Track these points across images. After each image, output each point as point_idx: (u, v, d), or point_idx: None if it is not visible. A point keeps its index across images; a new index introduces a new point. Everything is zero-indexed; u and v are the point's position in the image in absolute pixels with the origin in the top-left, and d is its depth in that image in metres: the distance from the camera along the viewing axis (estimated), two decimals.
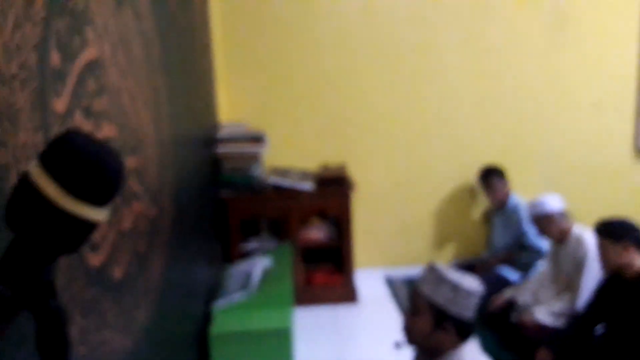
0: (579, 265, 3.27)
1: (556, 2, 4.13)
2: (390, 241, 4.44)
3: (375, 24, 4.11)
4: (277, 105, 4.21)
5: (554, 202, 3.48)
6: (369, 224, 4.39)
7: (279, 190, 3.82)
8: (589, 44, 4.23)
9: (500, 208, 4.13)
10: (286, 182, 3.82)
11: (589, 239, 3.23)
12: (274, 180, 3.84)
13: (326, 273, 4.04)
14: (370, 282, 4.32)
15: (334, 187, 3.86)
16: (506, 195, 4.10)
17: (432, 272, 1.85)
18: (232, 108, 4.20)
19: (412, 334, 1.87)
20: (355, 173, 4.27)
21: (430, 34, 4.14)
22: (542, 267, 3.72)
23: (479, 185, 4.22)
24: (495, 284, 3.77)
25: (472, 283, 1.83)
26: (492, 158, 4.22)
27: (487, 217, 4.41)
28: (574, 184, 4.40)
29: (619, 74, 4.28)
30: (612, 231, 2.80)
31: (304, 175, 3.95)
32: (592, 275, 3.17)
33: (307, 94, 4.19)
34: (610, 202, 4.41)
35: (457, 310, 1.80)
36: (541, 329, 3.26)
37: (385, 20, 4.11)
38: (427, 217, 4.44)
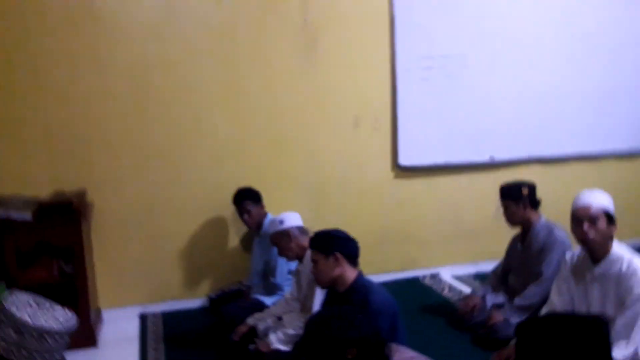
0: (312, 284, 3.10)
1: (304, 16, 4.09)
2: (143, 275, 4.02)
3: (110, 42, 3.77)
4: (2, 128, 3.67)
5: (291, 219, 3.32)
6: (115, 257, 3.94)
7: None
8: (342, 62, 4.22)
9: (257, 231, 3.92)
10: None
11: None
12: None
13: None
14: (119, 322, 3.85)
15: (57, 215, 3.39)
16: (262, 218, 3.90)
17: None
18: None
19: None
20: (100, 200, 3.84)
21: (174, 52, 3.88)
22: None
23: (234, 209, 3.97)
24: (251, 310, 3.51)
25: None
26: (249, 180, 4.00)
27: (247, 243, 4.18)
28: (337, 202, 4.32)
29: (374, 92, 4.32)
30: (320, 244, 2.65)
31: (25, 203, 3.43)
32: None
33: (35, 117, 3.70)
34: (373, 219, 4.40)
35: None
36: (278, 355, 3.02)
37: (123, 39, 3.78)
38: (183, 246, 4.09)
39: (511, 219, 3.52)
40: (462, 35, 4.40)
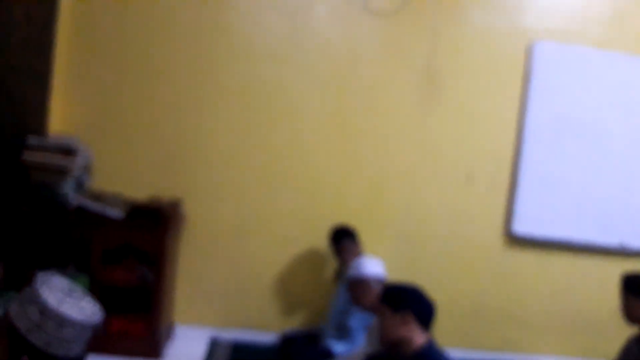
0: None
1: (430, 61, 3.88)
2: (223, 297, 3.89)
3: (230, 59, 3.79)
4: (117, 128, 3.78)
5: (372, 266, 3.04)
6: (199, 273, 3.85)
7: (83, 213, 3.32)
8: (465, 111, 3.94)
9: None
10: (92, 206, 3.33)
11: None
12: (81, 201, 3.34)
13: (126, 319, 3.45)
14: (189, 341, 3.73)
15: (147, 219, 3.37)
16: (354, 257, 3.64)
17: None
18: (67, 120, 3.76)
19: None
20: (194, 213, 3.81)
21: (291, 76, 3.82)
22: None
23: (329, 246, 3.75)
24: (316, 358, 3.24)
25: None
26: (344, 219, 3.78)
27: (334, 284, 3.92)
28: (434, 260, 3.96)
29: (494, 147, 3.97)
30: (391, 297, 2.34)
31: (121, 202, 3.46)
32: None
33: (148, 122, 3.78)
34: (472, 287, 3.98)
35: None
36: None
37: (243, 57, 3.79)
38: (269, 274, 3.92)
39: (630, 314, 2.99)
40: (605, 102, 3.96)
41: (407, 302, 2.28)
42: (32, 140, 3.33)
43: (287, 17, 3.80)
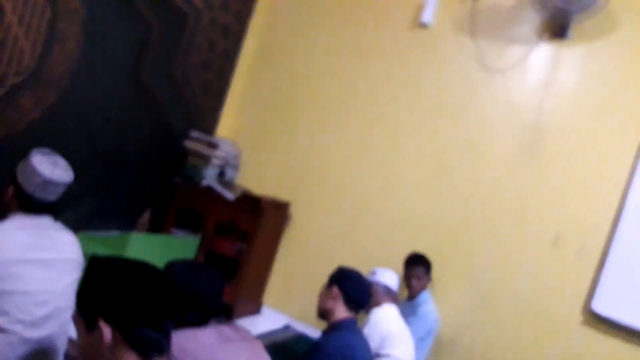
0: None
1: (538, 117, 3.93)
2: (306, 293, 4.44)
3: (364, 98, 4.48)
4: (265, 139, 4.79)
5: (385, 275, 3.32)
6: (292, 267, 4.55)
7: (210, 192, 4.35)
8: (565, 172, 3.84)
9: (410, 300, 3.86)
10: (215, 186, 4.33)
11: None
12: (210, 182, 4.38)
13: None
14: (268, 320, 4.42)
15: (249, 204, 4.22)
16: (422, 288, 3.83)
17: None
18: (233, 127, 4.92)
19: None
20: (299, 216, 4.55)
21: (403, 117, 4.32)
22: None
23: (403, 270, 4.04)
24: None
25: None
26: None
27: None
28: (496, 320, 3.88)
29: (590, 212, 3.75)
30: (333, 274, 2.70)
31: (236, 189, 4.40)
32: None
33: (288, 138, 4.71)
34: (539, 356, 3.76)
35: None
36: None
37: (370, 99, 4.44)
38: None
39: None
40: None
41: (340, 280, 2.65)
42: (193, 133, 4.53)
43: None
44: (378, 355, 3.02)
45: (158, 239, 4.16)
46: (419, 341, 3.50)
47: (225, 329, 1.98)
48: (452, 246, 4.10)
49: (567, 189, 3.84)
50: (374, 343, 3.03)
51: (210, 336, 1.91)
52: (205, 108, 4.66)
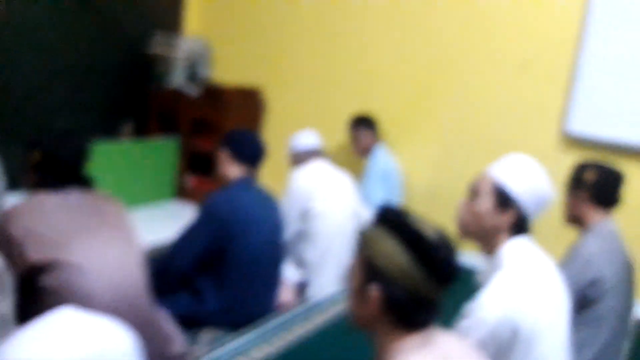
0: None
1: None
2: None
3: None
4: (238, 27, 4.67)
5: (301, 137, 3.26)
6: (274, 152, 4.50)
7: (177, 94, 4.37)
8: None
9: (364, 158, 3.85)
10: (181, 86, 4.34)
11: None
12: (178, 82, 4.39)
13: (202, 178, 4.37)
14: None
15: (214, 96, 4.21)
16: (370, 145, 3.77)
17: None
18: (202, 21, 4.83)
19: None
20: (276, 101, 4.49)
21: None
22: None
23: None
24: None
25: None
26: (393, 110, 3.89)
27: None
28: (477, 161, 3.65)
29: (555, 32, 3.35)
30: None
31: (204, 83, 4.39)
32: None
33: (260, 23, 4.55)
34: None
35: None
36: None
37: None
38: None
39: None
40: None
41: (225, 142, 2.60)
42: (156, 36, 4.49)
43: None
44: (306, 209, 3.00)
45: (136, 146, 4.27)
46: (374, 184, 3.60)
47: (75, 197, 1.97)
48: (422, 100, 3.87)
49: (525, 12, 3.44)
50: (297, 200, 3.00)
51: (53, 198, 1.91)
52: (164, 7, 4.61)
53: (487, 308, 1.61)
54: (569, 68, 3.32)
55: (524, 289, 1.64)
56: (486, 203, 1.73)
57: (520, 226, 1.74)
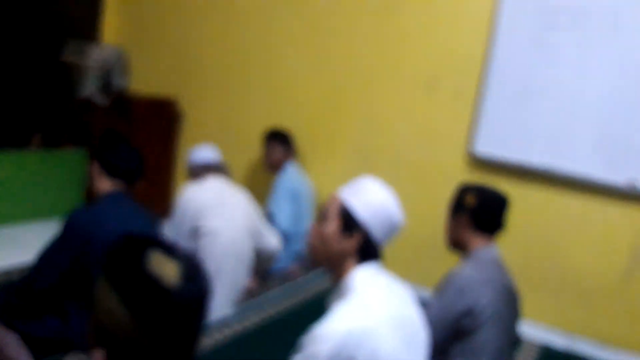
0: None
1: None
2: None
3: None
4: (153, 39, 4.53)
5: (199, 152, 3.12)
6: None
7: (88, 103, 4.19)
8: (425, 10, 3.36)
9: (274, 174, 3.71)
10: (92, 95, 4.16)
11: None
12: (89, 92, 4.21)
13: None
14: None
15: (123, 107, 4.04)
16: (281, 161, 3.64)
17: None
18: (119, 32, 4.66)
19: None
20: (193, 112, 4.34)
21: None
22: None
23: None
24: None
25: None
26: (302, 125, 3.76)
27: None
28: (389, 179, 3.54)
29: (461, 50, 3.29)
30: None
31: (116, 94, 4.22)
32: None
33: (175, 34, 4.41)
34: (430, 212, 3.41)
35: None
36: None
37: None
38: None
39: None
40: None
41: (96, 153, 2.42)
42: (71, 45, 4.32)
43: None
44: (195, 227, 2.85)
45: (42, 157, 4.08)
46: (281, 201, 3.49)
47: None
48: (334, 118, 3.77)
49: (430, 30, 3.38)
50: (185, 217, 2.85)
51: None
52: (80, 15, 4.44)
53: (320, 341, 1.48)
54: (475, 90, 3.25)
55: (363, 320, 1.52)
56: (332, 226, 1.61)
57: (367, 252, 1.63)
